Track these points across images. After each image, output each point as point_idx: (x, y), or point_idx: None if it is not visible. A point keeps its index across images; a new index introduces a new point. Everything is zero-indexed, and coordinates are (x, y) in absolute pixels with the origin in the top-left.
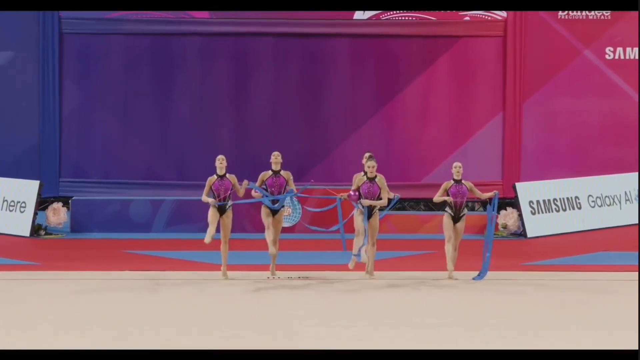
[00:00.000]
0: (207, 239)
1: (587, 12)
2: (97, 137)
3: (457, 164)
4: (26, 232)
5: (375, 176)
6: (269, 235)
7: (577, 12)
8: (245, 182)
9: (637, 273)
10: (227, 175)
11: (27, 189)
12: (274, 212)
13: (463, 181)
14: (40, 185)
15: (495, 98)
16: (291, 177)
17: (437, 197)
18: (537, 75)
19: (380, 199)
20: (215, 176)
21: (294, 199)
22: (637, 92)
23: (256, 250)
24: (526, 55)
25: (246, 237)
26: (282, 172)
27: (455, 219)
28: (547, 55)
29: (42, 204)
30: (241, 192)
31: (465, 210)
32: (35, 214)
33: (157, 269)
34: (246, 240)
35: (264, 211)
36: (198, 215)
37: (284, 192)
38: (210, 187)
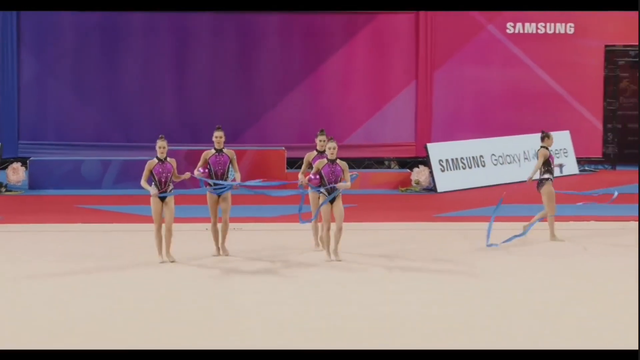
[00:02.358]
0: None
1: None
2: (53, 103)
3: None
4: None
5: (336, 158)
6: (214, 231)
7: None
8: (187, 174)
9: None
10: (168, 159)
11: None
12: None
13: None
14: (1, 147)
15: (409, 67)
16: (235, 156)
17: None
18: (446, 47)
19: (344, 181)
20: (155, 160)
21: (235, 175)
22: (535, 63)
23: (197, 205)
24: (436, 30)
25: (188, 192)
26: (225, 151)
27: None
28: (455, 30)
29: (3, 164)
30: (180, 179)
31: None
32: None
33: (106, 221)
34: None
35: (210, 200)
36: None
37: (227, 170)
38: (151, 172)
